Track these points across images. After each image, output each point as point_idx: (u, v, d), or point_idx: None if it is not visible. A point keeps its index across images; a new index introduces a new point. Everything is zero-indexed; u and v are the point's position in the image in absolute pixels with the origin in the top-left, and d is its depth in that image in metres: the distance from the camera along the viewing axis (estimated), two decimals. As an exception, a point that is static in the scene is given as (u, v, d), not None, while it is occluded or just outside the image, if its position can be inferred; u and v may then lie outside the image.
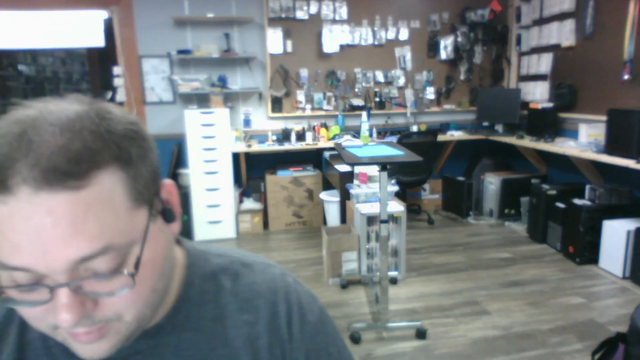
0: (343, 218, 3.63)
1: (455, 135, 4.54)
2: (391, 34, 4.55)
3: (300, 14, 4.31)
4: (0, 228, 0.40)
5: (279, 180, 4.29)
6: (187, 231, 4.02)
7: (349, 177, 3.53)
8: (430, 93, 4.73)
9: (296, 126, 4.41)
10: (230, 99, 4.33)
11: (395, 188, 3.41)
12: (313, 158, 4.53)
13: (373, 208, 3.12)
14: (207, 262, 0.61)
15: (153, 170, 0.47)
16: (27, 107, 0.43)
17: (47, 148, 0.39)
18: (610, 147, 3.10)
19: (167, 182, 0.51)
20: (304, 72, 4.44)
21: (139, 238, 0.44)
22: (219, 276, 0.60)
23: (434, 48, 4.66)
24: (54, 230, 0.39)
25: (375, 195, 3.23)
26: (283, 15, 4.28)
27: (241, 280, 0.60)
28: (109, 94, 4.18)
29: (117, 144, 0.42)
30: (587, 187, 3.43)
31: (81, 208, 0.39)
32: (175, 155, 4.23)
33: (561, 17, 3.98)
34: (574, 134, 3.81)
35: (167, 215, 0.49)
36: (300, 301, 0.61)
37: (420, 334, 2.42)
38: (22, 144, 0.39)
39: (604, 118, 3.25)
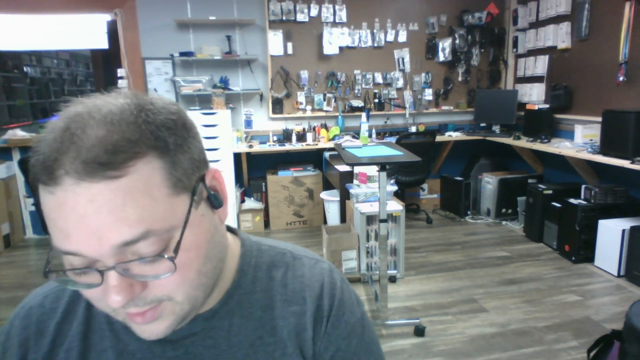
0: (343, 217, 3.66)
1: (453, 135, 4.58)
2: (390, 37, 4.59)
3: (301, 17, 4.35)
4: (51, 217, 0.43)
5: (279, 180, 4.33)
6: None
7: (349, 177, 3.56)
8: (428, 94, 4.78)
9: (297, 127, 4.45)
10: (232, 100, 4.37)
11: (394, 188, 3.45)
12: (313, 158, 4.57)
13: (372, 207, 3.15)
14: (260, 253, 0.63)
15: (194, 158, 0.48)
16: (77, 103, 0.46)
17: (88, 141, 0.41)
18: (606, 147, 3.13)
19: (213, 169, 0.52)
20: (305, 74, 4.49)
21: (180, 223, 0.45)
22: (270, 267, 0.62)
23: (432, 50, 4.71)
24: (96, 217, 0.41)
25: (374, 195, 3.26)
26: (284, 18, 4.33)
27: (291, 273, 0.62)
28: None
29: (154, 133, 0.44)
30: (583, 187, 3.47)
31: (120, 196, 0.42)
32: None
33: (557, 19, 4.03)
34: (569, 135, 3.86)
35: (212, 201, 0.50)
36: (343, 299, 0.61)
37: (419, 332, 2.45)
38: (65, 138, 0.42)
39: (599, 119, 3.27)
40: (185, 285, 0.47)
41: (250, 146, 4.22)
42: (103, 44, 4.24)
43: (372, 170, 3.33)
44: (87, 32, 4.23)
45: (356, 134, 4.35)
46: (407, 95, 4.74)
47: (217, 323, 0.57)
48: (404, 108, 4.73)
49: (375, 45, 4.58)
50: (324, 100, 4.57)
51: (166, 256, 0.44)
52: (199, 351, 0.57)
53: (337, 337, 0.59)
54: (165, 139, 0.45)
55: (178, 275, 0.46)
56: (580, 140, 3.52)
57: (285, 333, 0.58)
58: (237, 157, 4.23)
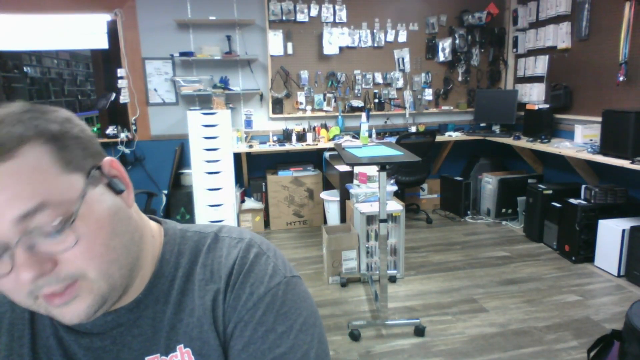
0: (343, 217, 3.66)
1: (453, 135, 4.58)
2: (390, 37, 4.59)
3: (301, 17, 4.36)
4: None
5: (279, 180, 4.34)
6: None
7: (349, 177, 3.57)
8: (428, 94, 4.78)
9: (297, 127, 4.45)
10: (232, 100, 4.38)
11: (394, 188, 3.45)
12: (313, 158, 4.57)
13: (372, 207, 3.16)
14: (184, 239, 0.64)
15: (85, 147, 0.52)
16: None
17: None
18: (606, 147, 3.13)
19: (110, 159, 0.55)
20: (305, 74, 4.49)
21: (76, 198, 0.48)
22: (194, 251, 0.63)
23: (432, 50, 4.71)
24: None
25: (374, 195, 3.27)
26: (284, 18, 4.33)
27: (212, 254, 0.63)
28: (113, 95, 4.22)
29: (39, 126, 0.48)
30: (583, 187, 3.47)
31: (10, 176, 0.45)
32: (177, 155, 4.27)
33: (557, 19, 4.03)
34: (569, 135, 3.86)
35: (112, 186, 0.54)
36: (252, 270, 0.60)
37: (419, 332, 2.45)
38: None
39: (599, 119, 3.27)
40: (95, 259, 0.49)
41: (250, 146, 4.22)
42: (103, 44, 4.24)
43: (372, 170, 3.34)
44: (87, 32, 4.23)
45: (356, 134, 4.35)
46: (407, 95, 4.74)
47: (142, 312, 0.59)
48: (404, 108, 4.73)
49: (375, 45, 4.59)
50: (324, 100, 4.57)
51: (66, 222, 0.47)
52: (127, 340, 0.59)
53: (240, 308, 0.59)
54: (50, 128, 0.49)
55: (85, 248, 0.48)
56: (580, 140, 3.53)
57: (201, 311, 0.59)
58: (237, 157, 4.23)
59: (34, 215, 0.46)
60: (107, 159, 0.55)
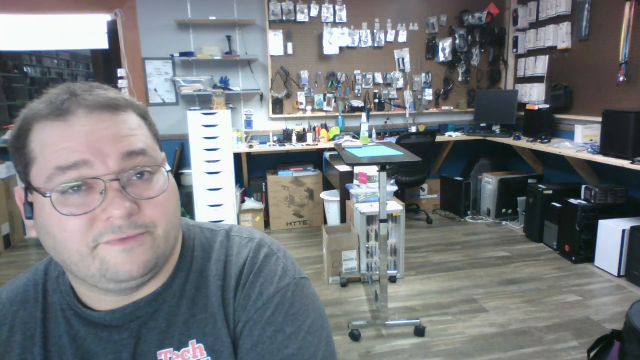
0: (343, 217, 3.66)
1: (453, 135, 4.58)
2: (390, 37, 4.59)
3: (301, 17, 4.36)
4: (57, 141, 0.50)
5: (279, 180, 4.34)
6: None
7: (349, 177, 3.57)
8: (428, 94, 4.78)
9: (297, 127, 4.45)
10: (232, 100, 4.38)
11: (394, 188, 3.45)
12: (313, 158, 4.57)
13: (372, 207, 3.16)
14: (197, 235, 0.67)
15: (157, 132, 0.61)
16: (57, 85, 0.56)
17: (90, 94, 0.54)
18: (606, 147, 3.13)
19: (163, 154, 0.61)
20: (305, 74, 4.49)
21: (162, 162, 0.57)
22: (207, 248, 0.66)
23: (432, 50, 4.71)
24: (107, 132, 0.52)
25: (374, 195, 3.27)
26: (284, 18, 4.33)
27: (224, 251, 0.65)
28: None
29: (133, 103, 0.58)
30: (583, 187, 3.47)
31: (124, 122, 0.54)
32: (177, 155, 4.27)
33: (557, 19, 4.03)
34: (569, 135, 3.86)
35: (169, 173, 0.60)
36: (261, 270, 0.62)
37: (419, 332, 2.45)
38: (70, 92, 0.53)
39: (599, 119, 3.27)
40: (166, 217, 0.56)
41: (250, 146, 4.23)
42: (103, 44, 4.25)
43: (372, 170, 3.34)
44: (87, 32, 4.23)
45: (356, 134, 4.35)
46: (407, 95, 4.75)
47: (159, 306, 0.61)
48: (404, 108, 4.73)
49: (375, 45, 4.59)
50: (324, 100, 4.57)
51: (165, 169, 0.57)
52: (143, 333, 0.60)
53: (250, 307, 0.60)
54: (140, 107, 0.59)
55: (163, 203, 0.55)
56: (580, 140, 3.53)
57: (215, 308, 0.61)
58: (237, 157, 4.23)
59: (137, 156, 0.53)
60: (162, 153, 0.62)
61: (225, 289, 0.62)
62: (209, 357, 0.60)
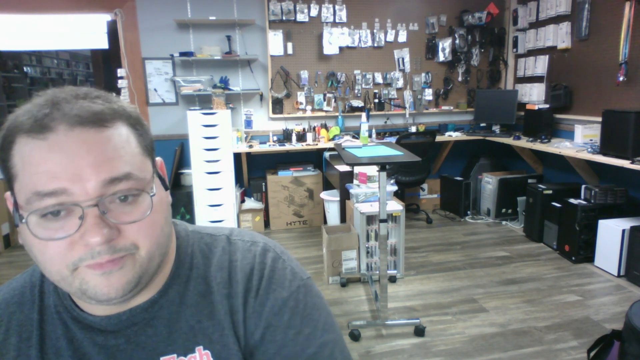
0: (343, 217, 3.66)
1: (453, 135, 4.58)
2: (390, 37, 4.59)
3: (301, 17, 4.36)
4: (37, 162, 0.48)
5: (279, 180, 4.34)
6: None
7: (349, 177, 3.57)
8: (428, 94, 4.78)
9: (297, 127, 4.45)
10: (232, 100, 4.38)
11: (394, 188, 3.45)
12: (313, 158, 4.57)
13: (372, 207, 3.16)
14: (196, 241, 0.66)
15: (151, 141, 0.58)
16: (44, 92, 0.54)
17: (75, 105, 0.50)
18: (606, 147, 3.13)
19: (159, 158, 0.60)
20: (305, 74, 4.49)
21: (150, 180, 0.54)
22: (207, 253, 0.65)
23: (432, 50, 4.71)
24: (88, 156, 0.49)
25: (374, 195, 3.27)
26: (284, 18, 4.33)
27: (226, 257, 0.65)
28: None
29: (123, 107, 0.55)
30: (583, 187, 3.47)
31: (109, 141, 0.50)
32: (177, 155, 4.27)
33: (557, 19, 4.03)
34: (569, 135, 3.86)
35: (163, 182, 0.58)
36: (272, 277, 0.63)
37: (419, 332, 2.45)
38: (53, 103, 0.50)
39: (599, 119, 3.28)
40: (150, 238, 0.53)
41: (250, 146, 4.23)
42: (103, 44, 4.25)
43: (372, 170, 3.34)
44: (87, 32, 4.24)
45: (356, 134, 4.35)
46: (407, 95, 4.75)
47: (157, 313, 0.60)
48: (404, 108, 4.73)
49: (375, 45, 4.59)
50: (324, 100, 4.57)
51: (150, 193, 0.53)
52: (141, 340, 0.60)
53: (267, 313, 0.61)
54: (131, 113, 0.55)
55: (146, 226, 0.53)
56: (580, 140, 3.53)
57: (222, 315, 0.61)
58: (237, 157, 4.23)
59: (120, 182, 0.50)
60: (159, 158, 0.61)
61: (232, 297, 0.62)
62: None
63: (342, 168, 3.64)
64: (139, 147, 0.54)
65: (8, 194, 0.55)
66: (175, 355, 0.60)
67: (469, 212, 4.58)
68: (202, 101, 4.34)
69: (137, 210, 0.52)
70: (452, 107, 4.84)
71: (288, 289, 0.62)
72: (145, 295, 0.60)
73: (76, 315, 0.60)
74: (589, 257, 3.32)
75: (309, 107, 4.55)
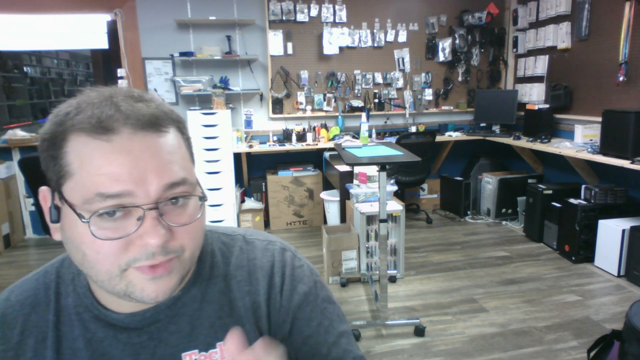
0: (343, 217, 3.66)
1: (453, 135, 4.58)
2: (390, 37, 4.59)
3: (301, 17, 4.36)
4: (100, 163, 0.49)
5: (279, 180, 4.34)
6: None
7: (349, 177, 3.57)
8: (428, 94, 4.78)
9: (297, 127, 4.45)
10: (232, 100, 4.38)
11: (394, 188, 3.45)
12: (313, 158, 4.57)
13: (372, 207, 3.16)
14: (214, 241, 0.68)
15: (192, 147, 0.59)
16: (94, 89, 0.54)
17: (132, 111, 0.51)
18: (606, 147, 3.13)
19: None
20: (305, 74, 4.49)
21: (196, 183, 0.56)
22: (225, 252, 0.67)
23: (432, 50, 4.71)
24: (152, 161, 0.50)
25: (374, 195, 3.27)
26: (284, 18, 4.33)
27: (245, 256, 0.67)
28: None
29: (176, 117, 0.56)
30: (583, 187, 3.47)
31: (166, 146, 0.52)
32: (177, 155, 4.26)
33: (557, 19, 4.03)
34: (569, 135, 3.86)
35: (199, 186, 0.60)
36: (294, 275, 0.67)
37: (419, 332, 2.45)
38: (113, 104, 0.51)
39: (599, 119, 3.28)
40: (194, 241, 0.56)
41: (250, 146, 4.23)
42: (103, 44, 4.25)
43: (372, 170, 3.34)
44: (87, 32, 4.24)
45: (356, 134, 4.35)
46: (407, 95, 4.75)
47: (179, 310, 0.62)
48: (404, 108, 4.73)
49: (375, 45, 4.59)
50: (324, 100, 4.57)
51: (199, 196, 0.55)
52: (164, 336, 0.61)
53: (292, 308, 0.65)
54: (180, 120, 0.57)
55: (194, 229, 0.55)
56: (580, 140, 3.53)
57: (242, 312, 0.64)
58: (237, 157, 4.23)
59: (177, 187, 0.52)
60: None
61: (253, 293, 0.65)
62: None
63: (342, 168, 3.64)
64: (187, 152, 0.56)
65: (45, 188, 0.55)
66: (197, 350, 0.61)
67: (469, 212, 4.58)
68: (202, 101, 4.34)
69: (187, 214, 0.54)
70: (452, 107, 4.84)
71: (307, 285, 0.67)
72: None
73: (98, 314, 0.60)
74: (589, 257, 3.32)
75: (309, 107, 4.55)
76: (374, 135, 4.42)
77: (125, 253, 0.50)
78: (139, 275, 0.52)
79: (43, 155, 0.53)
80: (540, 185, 3.77)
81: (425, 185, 4.87)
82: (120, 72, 4.15)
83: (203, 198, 0.55)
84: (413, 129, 4.65)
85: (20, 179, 4.19)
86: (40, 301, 0.62)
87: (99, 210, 0.49)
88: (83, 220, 0.49)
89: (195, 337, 0.62)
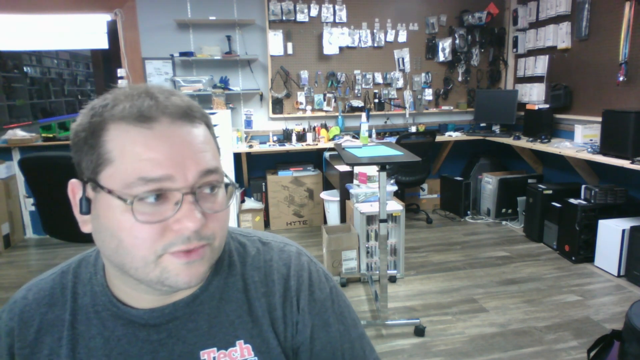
0: (343, 217, 3.66)
1: (453, 135, 4.58)
2: (390, 37, 4.59)
3: (301, 17, 4.36)
4: (142, 149, 0.51)
5: (279, 180, 4.34)
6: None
7: (349, 177, 3.57)
8: (428, 94, 4.78)
9: (297, 127, 4.45)
10: (232, 100, 4.38)
11: (394, 188, 3.45)
12: (313, 158, 4.57)
13: (372, 207, 3.16)
14: (231, 240, 0.69)
15: (217, 142, 0.61)
16: (130, 84, 0.57)
17: (169, 103, 0.54)
18: (606, 147, 3.13)
19: None
20: (305, 74, 4.49)
21: (223, 174, 0.58)
22: (242, 253, 0.68)
23: (432, 50, 4.71)
24: (190, 147, 0.53)
25: (374, 195, 3.27)
26: (284, 18, 4.33)
27: (261, 257, 0.68)
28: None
29: (201, 112, 0.58)
30: (583, 186, 3.47)
31: (200, 136, 0.55)
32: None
33: (557, 19, 4.03)
34: (569, 135, 3.86)
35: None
36: (311, 278, 0.67)
37: (419, 332, 2.45)
38: (150, 96, 0.54)
39: (599, 119, 3.28)
40: (223, 229, 0.58)
41: (250, 146, 4.23)
42: (103, 44, 4.25)
43: (372, 170, 3.34)
44: (87, 32, 4.24)
45: (356, 134, 4.35)
46: (407, 95, 4.75)
47: (197, 307, 0.62)
48: (404, 108, 4.73)
49: (375, 45, 4.59)
50: (324, 100, 4.57)
51: (232, 183, 0.59)
52: (182, 334, 0.61)
53: (312, 314, 0.65)
54: (207, 117, 0.60)
55: (223, 217, 0.57)
56: (580, 140, 3.53)
57: (260, 312, 0.64)
58: (237, 157, 4.23)
59: (211, 174, 0.54)
60: None
61: (270, 295, 0.65)
62: (256, 358, 0.63)
63: (342, 168, 3.64)
64: (216, 146, 0.59)
65: (75, 181, 0.56)
66: (215, 348, 0.62)
67: (469, 212, 4.58)
68: (202, 101, 4.34)
69: (219, 202, 0.56)
70: (452, 107, 4.84)
71: (325, 291, 0.68)
72: (187, 290, 0.61)
73: (116, 311, 0.60)
74: (589, 257, 3.32)
75: (309, 107, 4.55)
76: (374, 135, 4.42)
77: (162, 238, 0.52)
78: (174, 261, 0.53)
79: (77, 146, 0.55)
80: (540, 185, 3.77)
81: (425, 185, 4.87)
82: (120, 72, 4.15)
83: (234, 185, 0.58)
84: (413, 129, 4.65)
85: (20, 179, 4.19)
86: (56, 300, 0.63)
87: (140, 194, 0.50)
88: (127, 202, 0.51)
89: (213, 335, 0.62)
